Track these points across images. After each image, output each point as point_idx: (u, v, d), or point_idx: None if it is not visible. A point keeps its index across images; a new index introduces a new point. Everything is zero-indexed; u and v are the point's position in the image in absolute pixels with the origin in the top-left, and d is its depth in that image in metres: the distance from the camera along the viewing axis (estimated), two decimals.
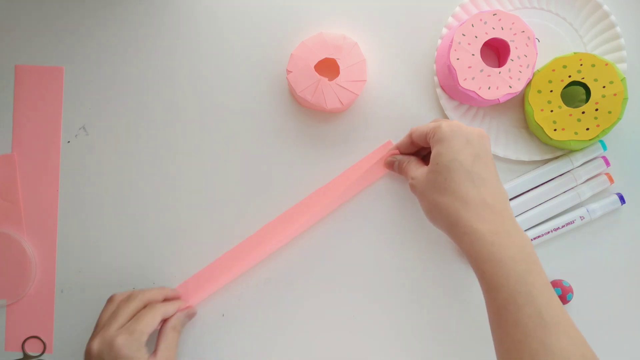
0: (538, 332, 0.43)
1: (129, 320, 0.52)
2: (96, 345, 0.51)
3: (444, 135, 0.49)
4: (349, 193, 0.58)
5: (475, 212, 0.47)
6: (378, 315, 0.59)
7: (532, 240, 0.58)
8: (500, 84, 0.54)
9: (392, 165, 0.57)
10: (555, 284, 0.57)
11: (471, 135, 0.49)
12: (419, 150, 0.57)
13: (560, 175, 0.58)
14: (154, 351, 0.53)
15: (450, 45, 0.54)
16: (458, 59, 0.54)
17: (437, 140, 0.50)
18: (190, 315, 0.58)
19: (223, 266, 0.58)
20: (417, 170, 0.53)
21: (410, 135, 0.55)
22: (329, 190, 0.59)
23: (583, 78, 0.55)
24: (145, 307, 0.54)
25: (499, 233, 0.46)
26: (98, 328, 0.53)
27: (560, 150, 0.58)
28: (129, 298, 0.54)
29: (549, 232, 0.58)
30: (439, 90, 0.58)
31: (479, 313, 0.59)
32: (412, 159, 0.55)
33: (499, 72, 0.54)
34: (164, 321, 0.55)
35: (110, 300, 0.55)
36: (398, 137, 0.59)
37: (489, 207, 0.47)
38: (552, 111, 0.55)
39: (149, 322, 0.52)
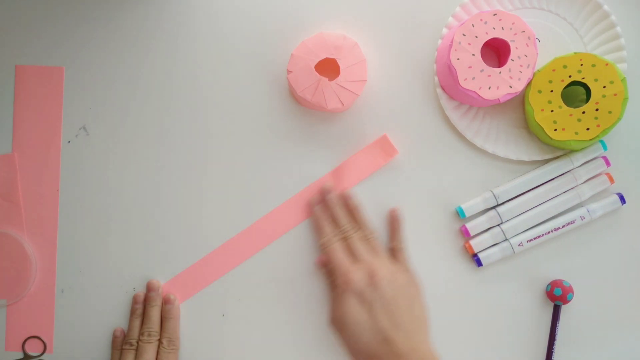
0: None
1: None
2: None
3: (338, 305, 0.52)
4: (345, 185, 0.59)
5: None
6: None
7: (532, 240, 0.58)
8: (500, 84, 0.54)
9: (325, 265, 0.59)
10: (556, 284, 0.57)
11: (360, 292, 0.51)
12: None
13: (561, 175, 0.58)
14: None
15: (451, 45, 0.54)
16: (458, 58, 0.54)
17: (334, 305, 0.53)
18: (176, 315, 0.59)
19: (217, 260, 0.59)
20: (332, 307, 0.54)
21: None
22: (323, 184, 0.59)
23: (583, 78, 0.55)
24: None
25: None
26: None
27: (560, 150, 0.58)
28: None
29: (549, 232, 0.58)
30: (439, 90, 0.58)
31: (480, 313, 0.59)
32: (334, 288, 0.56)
33: (500, 72, 0.54)
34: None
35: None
36: (398, 136, 0.59)
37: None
38: (552, 111, 0.55)
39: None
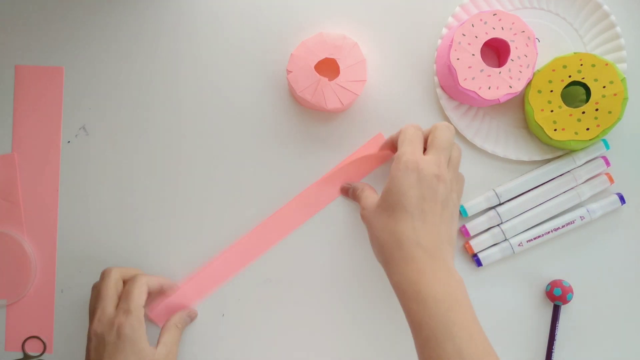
0: None
1: (117, 297, 0.53)
2: (98, 328, 0.52)
3: (396, 172, 0.50)
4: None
5: (406, 252, 0.48)
6: (378, 316, 0.59)
7: (532, 240, 0.58)
8: (500, 84, 0.54)
9: (347, 192, 0.58)
10: (555, 284, 0.57)
11: (425, 175, 0.49)
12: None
13: (561, 175, 0.58)
14: (156, 344, 0.54)
15: (451, 45, 0.54)
16: (458, 59, 0.54)
17: (391, 175, 0.50)
18: (192, 316, 0.58)
19: (221, 265, 0.59)
20: (369, 200, 0.54)
21: (390, 142, 0.56)
22: (322, 185, 0.59)
23: (583, 78, 0.55)
24: (125, 282, 0.55)
25: (425, 272, 0.47)
26: (92, 315, 0.53)
27: (560, 150, 0.58)
28: (102, 277, 0.55)
29: (549, 232, 0.58)
30: (439, 91, 0.58)
31: (479, 313, 0.59)
32: (366, 187, 0.56)
33: (499, 72, 0.54)
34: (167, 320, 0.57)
35: (92, 288, 0.55)
36: None
37: (422, 248, 0.48)
38: (552, 111, 0.55)
39: (138, 294, 0.53)
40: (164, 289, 0.57)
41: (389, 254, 0.49)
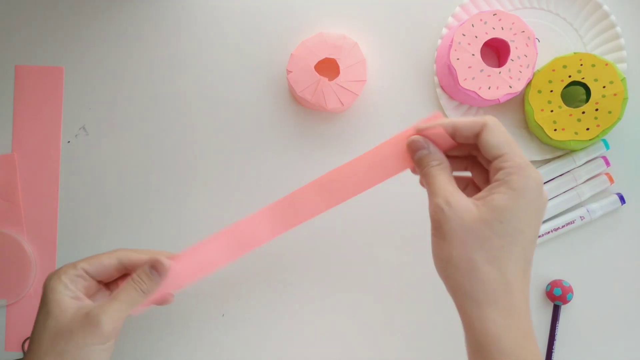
0: None
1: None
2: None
3: (526, 191, 0.38)
4: (361, 184, 0.48)
5: (514, 302, 0.38)
6: (379, 316, 0.59)
7: None
8: (500, 83, 0.54)
9: (414, 152, 0.42)
10: (556, 284, 0.57)
11: (545, 204, 0.39)
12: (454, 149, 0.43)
13: (561, 175, 0.58)
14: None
15: (451, 45, 0.54)
16: (458, 58, 0.54)
17: (516, 189, 0.38)
18: (158, 269, 0.45)
19: (220, 245, 0.49)
20: (456, 195, 0.39)
21: (452, 127, 0.41)
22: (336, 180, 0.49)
23: (583, 78, 0.55)
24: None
25: (529, 335, 0.39)
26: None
27: (560, 150, 0.58)
28: None
29: (549, 232, 0.58)
30: (439, 90, 0.58)
31: None
32: (446, 167, 0.42)
33: (499, 72, 0.54)
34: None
35: None
36: None
37: (526, 300, 0.39)
38: (552, 111, 0.55)
39: (94, 258, 0.46)
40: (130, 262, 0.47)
41: (488, 295, 0.38)
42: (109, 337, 0.43)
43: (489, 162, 0.41)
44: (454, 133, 0.41)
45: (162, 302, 0.49)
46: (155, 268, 0.45)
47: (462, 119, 0.41)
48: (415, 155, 0.42)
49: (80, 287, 0.45)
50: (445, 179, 0.41)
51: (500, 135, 0.40)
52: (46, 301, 0.44)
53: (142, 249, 0.48)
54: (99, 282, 0.48)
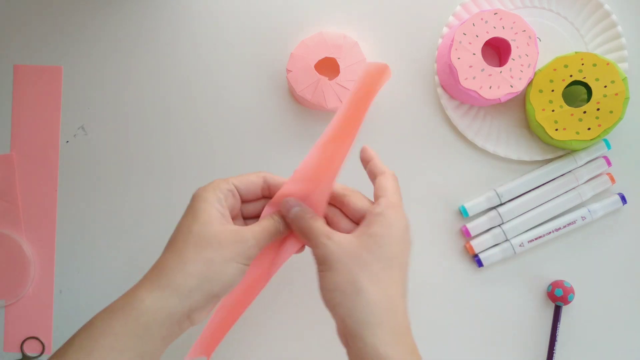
0: None
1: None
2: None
3: (397, 221, 0.43)
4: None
5: (400, 323, 0.41)
6: None
7: (533, 240, 0.57)
8: (501, 83, 0.54)
9: (288, 211, 0.45)
10: (557, 284, 0.57)
11: (409, 236, 0.44)
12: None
13: (562, 175, 0.58)
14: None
15: (451, 45, 0.54)
16: (459, 58, 0.54)
17: (386, 217, 0.43)
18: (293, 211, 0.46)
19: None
20: (335, 232, 0.44)
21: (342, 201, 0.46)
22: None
23: (584, 77, 0.54)
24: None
25: (416, 355, 0.41)
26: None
27: (561, 150, 0.58)
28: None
29: (550, 233, 0.57)
30: (439, 90, 0.58)
31: (480, 314, 0.59)
32: (319, 218, 0.45)
33: (500, 72, 0.54)
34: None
35: None
36: (398, 136, 0.59)
37: (407, 320, 0.42)
38: (553, 111, 0.55)
39: (243, 176, 0.46)
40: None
41: (375, 316, 0.40)
42: (250, 258, 0.44)
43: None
44: (366, 162, 0.47)
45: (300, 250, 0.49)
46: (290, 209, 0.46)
47: (376, 159, 0.47)
48: (289, 214, 0.45)
49: (228, 204, 0.45)
50: (321, 224, 0.44)
51: (396, 183, 0.45)
52: (195, 207, 0.44)
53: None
54: (243, 202, 0.47)
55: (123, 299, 0.42)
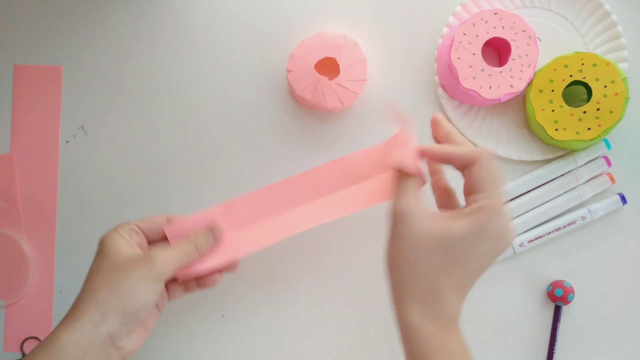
0: None
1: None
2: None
3: (487, 225, 0.41)
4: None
5: (431, 311, 0.42)
6: (379, 316, 0.59)
7: (533, 240, 0.57)
8: (501, 83, 0.54)
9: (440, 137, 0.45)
10: (557, 284, 0.57)
11: (504, 243, 0.42)
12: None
13: (562, 175, 0.58)
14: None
15: (451, 45, 0.54)
16: (459, 58, 0.54)
17: (477, 218, 0.41)
18: (216, 234, 0.49)
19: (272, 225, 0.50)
20: (422, 207, 0.42)
21: (447, 157, 0.44)
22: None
23: (584, 77, 0.54)
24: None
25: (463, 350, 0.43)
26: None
27: (561, 150, 0.58)
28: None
29: (550, 233, 0.57)
30: (439, 90, 0.58)
31: (480, 314, 0.58)
32: (420, 181, 0.44)
33: (500, 72, 0.54)
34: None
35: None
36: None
37: (446, 312, 0.43)
38: (553, 111, 0.55)
39: (148, 219, 0.48)
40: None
41: (413, 295, 0.42)
42: (162, 276, 0.44)
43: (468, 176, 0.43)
44: (445, 161, 0.44)
45: (229, 268, 0.50)
46: (212, 230, 0.49)
47: (458, 149, 0.43)
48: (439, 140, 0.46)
49: (134, 240, 0.47)
50: (415, 188, 0.44)
51: (489, 173, 0.42)
52: (102, 247, 0.46)
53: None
54: (149, 242, 0.49)
55: (44, 340, 0.43)
